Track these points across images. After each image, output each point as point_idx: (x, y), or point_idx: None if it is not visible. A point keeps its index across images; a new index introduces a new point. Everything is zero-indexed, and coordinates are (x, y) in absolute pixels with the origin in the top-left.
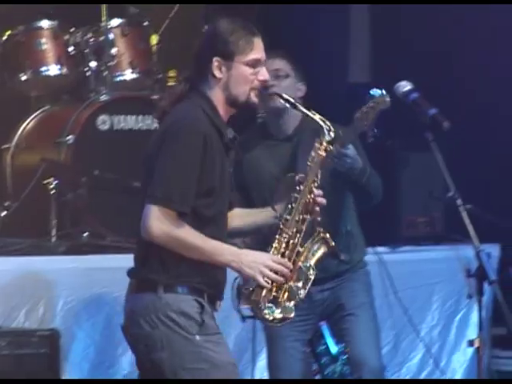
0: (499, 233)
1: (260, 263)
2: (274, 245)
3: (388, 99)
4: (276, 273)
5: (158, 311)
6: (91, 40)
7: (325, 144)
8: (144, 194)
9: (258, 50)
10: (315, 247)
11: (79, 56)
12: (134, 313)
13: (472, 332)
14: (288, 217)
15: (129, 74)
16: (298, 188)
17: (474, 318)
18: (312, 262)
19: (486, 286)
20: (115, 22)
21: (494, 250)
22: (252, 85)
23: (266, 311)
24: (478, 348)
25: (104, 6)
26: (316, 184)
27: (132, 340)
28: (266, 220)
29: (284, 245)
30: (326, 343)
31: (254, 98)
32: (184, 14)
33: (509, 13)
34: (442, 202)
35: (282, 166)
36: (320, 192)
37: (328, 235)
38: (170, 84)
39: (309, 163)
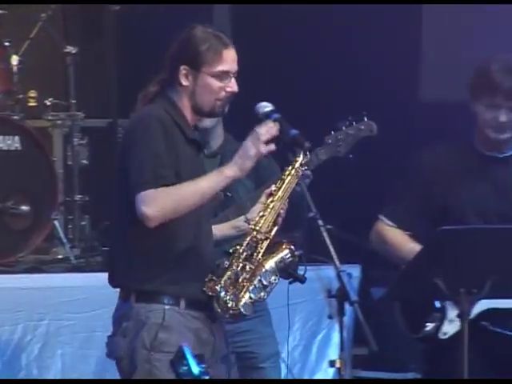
0: (360, 253)
1: (249, 147)
2: (243, 246)
3: (375, 126)
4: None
5: (129, 322)
6: None
7: (300, 163)
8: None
9: (227, 62)
10: (279, 256)
11: None
12: (114, 320)
13: (333, 352)
14: (260, 223)
15: None
16: (269, 198)
17: (335, 338)
18: (276, 267)
19: (346, 306)
20: None
21: (354, 271)
22: (218, 96)
23: (227, 297)
24: (339, 368)
25: None
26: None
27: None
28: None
29: (252, 248)
30: (188, 364)
31: (219, 109)
32: (45, 35)
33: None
34: (303, 223)
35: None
36: (286, 205)
37: (293, 247)
38: (30, 104)
39: (283, 176)
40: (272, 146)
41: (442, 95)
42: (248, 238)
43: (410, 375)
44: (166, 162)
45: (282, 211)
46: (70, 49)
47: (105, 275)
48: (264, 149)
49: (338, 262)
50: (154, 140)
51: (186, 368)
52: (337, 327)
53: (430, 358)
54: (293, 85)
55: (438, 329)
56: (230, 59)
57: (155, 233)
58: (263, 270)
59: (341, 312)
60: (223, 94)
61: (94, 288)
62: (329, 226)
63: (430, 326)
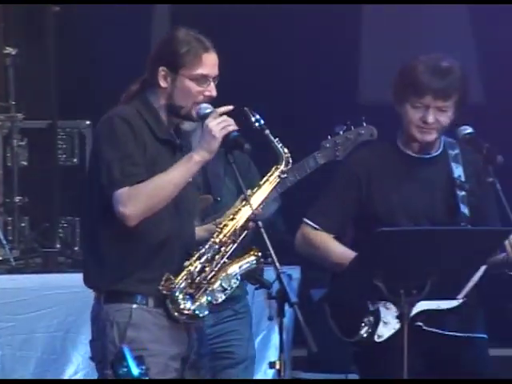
0: (300, 255)
1: (214, 125)
2: (206, 246)
3: (375, 131)
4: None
5: (100, 322)
6: None
7: (280, 171)
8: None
9: (205, 66)
10: (245, 261)
11: None
12: (91, 322)
13: (273, 354)
14: (228, 227)
15: None
16: (242, 203)
17: (275, 339)
18: (239, 272)
19: (286, 307)
20: None
21: (294, 272)
22: (195, 99)
23: (181, 297)
24: (278, 370)
25: None
26: (263, 204)
27: None
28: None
29: (215, 250)
30: (127, 365)
31: (192, 110)
32: None
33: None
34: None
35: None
36: (260, 211)
37: (260, 254)
38: None
39: (261, 182)
40: (233, 124)
41: (380, 97)
42: (210, 241)
43: (351, 376)
44: (136, 161)
45: (253, 216)
46: (10, 50)
47: (44, 276)
48: (225, 126)
49: (278, 264)
50: (119, 139)
51: (125, 369)
52: (276, 329)
53: (365, 360)
54: (229, 84)
55: (372, 332)
56: (210, 63)
57: (126, 233)
58: (225, 273)
59: (281, 313)
60: (201, 97)
61: (34, 289)
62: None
63: (364, 329)
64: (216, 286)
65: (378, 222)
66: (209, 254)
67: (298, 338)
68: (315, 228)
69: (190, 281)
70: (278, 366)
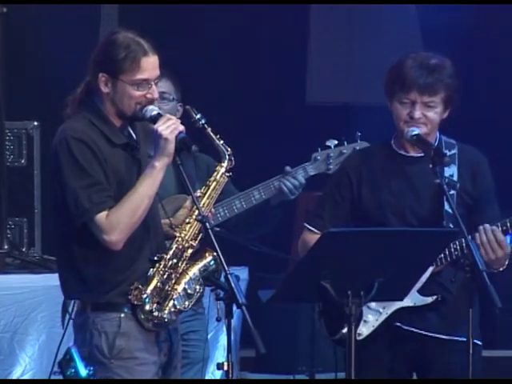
0: (248, 256)
1: (164, 128)
2: (169, 254)
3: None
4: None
5: (86, 331)
6: None
7: (225, 169)
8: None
9: (145, 70)
10: (203, 263)
11: None
12: (74, 331)
13: (221, 355)
14: (186, 230)
15: None
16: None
17: (223, 340)
18: (199, 275)
19: (234, 308)
20: None
21: (242, 273)
22: (137, 100)
23: (153, 307)
24: (226, 371)
25: None
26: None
27: None
28: None
29: (178, 256)
30: (75, 366)
31: (139, 112)
32: None
33: None
34: None
35: (167, 186)
36: (213, 211)
37: (216, 254)
38: None
39: (208, 182)
40: (180, 126)
41: (328, 97)
42: (174, 247)
43: (299, 377)
44: (102, 186)
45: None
46: None
47: None
48: (174, 128)
49: (225, 265)
50: (81, 166)
51: (73, 370)
52: (224, 329)
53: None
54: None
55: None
56: (149, 67)
57: (100, 250)
58: (187, 277)
59: (229, 314)
60: (144, 100)
61: None
62: (217, 229)
63: (346, 328)
64: (180, 291)
65: (368, 220)
66: (172, 261)
67: (245, 338)
68: (312, 231)
69: (159, 289)
70: (225, 367)
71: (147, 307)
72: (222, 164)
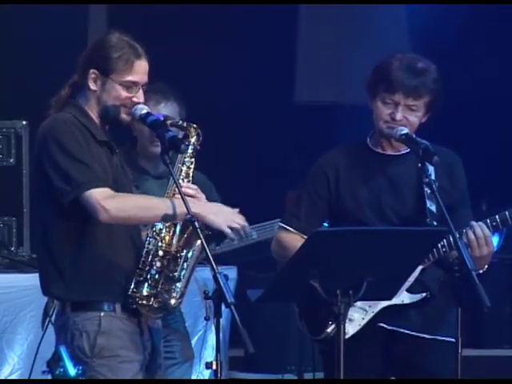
0: (236, 255)
1: (225, 213)
2: (159, 254)
3: None
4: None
5: (67, 332)
6: None
7: (193, 143)
8: (38, 205)
9: (136, 73)
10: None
11: None
12: (55, 332)
13: (209, 354)
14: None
15: None
16: None
17: (212, 340)
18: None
19: (223, 308)
20: None
21: (231, 273)
22: (123, 102)
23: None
24: (215, 370)
25: None
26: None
27: None
28: None
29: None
30: (64, 366)
31: (124, 116)
32: None
33: None
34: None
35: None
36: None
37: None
38: None
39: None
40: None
41: (316, 97)
42: (162, 249)
43: (287, 377)
44: (94, 168)
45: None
46: None
47: None
48: (225, 227)
49: (214, 264)
50: (72, 147)
51: (62, 370)
52: (213, 329)
53: (332, 359)
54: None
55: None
56: (140, 71)
57: (80, 245)
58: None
59: (217, 314)
60: (129, 102)
61: None
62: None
63: (331, 327)
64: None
65: (347, 219)
66: (164, 261)
67: (234, 338)
68: (289, 231)
69: (153, 291)
70: (214, 367)
71: (144, 293)
72: (190, 139)
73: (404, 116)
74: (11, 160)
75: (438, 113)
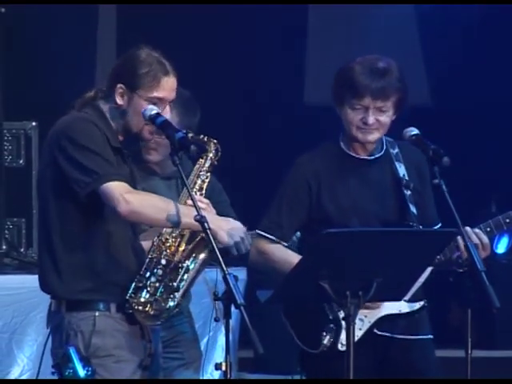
0: (246, 256)
1: (236, 230)
2: (162, 262)
3: None
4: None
5: (62, 332)
6: None
7: (211, 158)
8: (43, 203)
9: (163, 90)
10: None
11: None
12: (51, 332)
13: (219, 355)
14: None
15: None
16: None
17: (221, 341)
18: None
19: (233, 309)
20: None
21: (241, 274)
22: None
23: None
24: (225, 371)
25: None
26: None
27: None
28: None
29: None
30: (73, 367)
31: (146, 134)
32: None
33: None
34: None
35: None
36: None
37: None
38: None
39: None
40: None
41: (327, 98)
42: (164, 258)
43: (297, 377)
44: (113, 164)
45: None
46: None
47: None
48: (236, 242)
49: (224, 265)
50: (94, 143)
51: (71, 371)
52: (223, 330)
53: (326, 368)
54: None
55: (335, 341)
56: (168, 87)
57: (81, 243)
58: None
59: (227, 315)
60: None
61: None
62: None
63: (326, 338)
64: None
65: (329, 224)
66: (166, 270)
67: (244, 339)
68: (270, 239)
69: (151, 299)
70: (224, 368)
71: (142, 299)
72: (208, 154)
73: (375, 119)
74: (21, 161)
75: (404, 111)
